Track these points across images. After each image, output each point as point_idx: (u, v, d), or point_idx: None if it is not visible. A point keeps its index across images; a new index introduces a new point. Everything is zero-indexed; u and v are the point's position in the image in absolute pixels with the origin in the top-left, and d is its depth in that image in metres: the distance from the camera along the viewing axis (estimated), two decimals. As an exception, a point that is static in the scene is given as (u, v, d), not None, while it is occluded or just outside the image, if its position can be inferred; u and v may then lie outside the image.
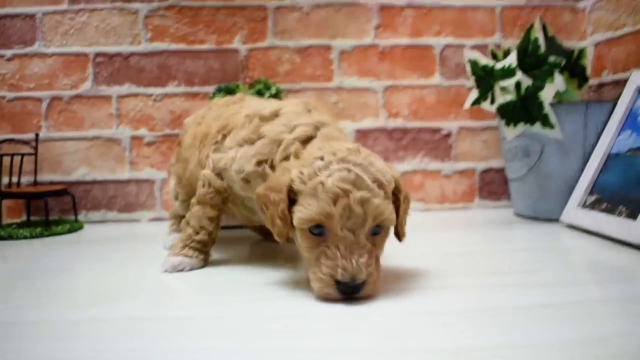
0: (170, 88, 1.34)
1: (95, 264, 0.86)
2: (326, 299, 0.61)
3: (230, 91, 1.22)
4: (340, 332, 0.51)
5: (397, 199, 0.66)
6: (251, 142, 0.75)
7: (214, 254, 0.87)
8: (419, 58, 1.37)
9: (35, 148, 1.28)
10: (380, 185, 0.61)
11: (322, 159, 0.62)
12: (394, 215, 0.63)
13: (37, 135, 1.29)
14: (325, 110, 0.80)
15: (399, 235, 0.70)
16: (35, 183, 1.30)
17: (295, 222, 0.62)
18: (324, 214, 0.59)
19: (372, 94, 1.37)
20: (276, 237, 0.65)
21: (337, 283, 0.59)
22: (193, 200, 0.83)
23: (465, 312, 0.56)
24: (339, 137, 0.72)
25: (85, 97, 1.34)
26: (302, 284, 0.69)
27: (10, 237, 1.14)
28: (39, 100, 1.34)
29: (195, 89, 1.34)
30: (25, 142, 1.27)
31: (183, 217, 0.88)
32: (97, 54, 1.33)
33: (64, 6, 1.33)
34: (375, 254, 0.62)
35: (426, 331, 0.51)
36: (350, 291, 0.59)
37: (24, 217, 1.35)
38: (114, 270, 0.82)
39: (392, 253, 0.88)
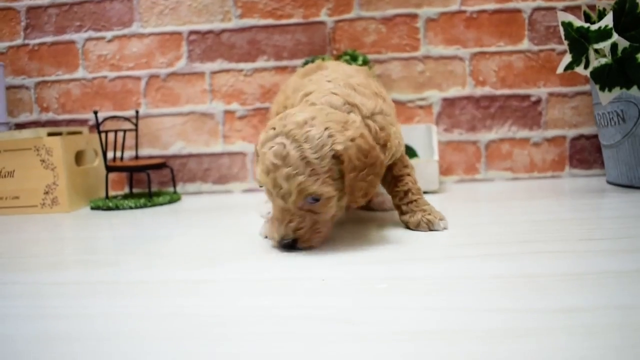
0: (260, 63, 1.38)
1: (196, 232, 0.92)
2: (275, 247, 0.74)
3: (315, 64, 1.24)
4: (437, 292, 0.53)
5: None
6: None
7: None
8: (507, 23, 1.34)
9: (136, 124, 1.36)
10: (308, 162, 0.68)
11: (273, 129, 0.71)
12: (325, 188, 0.69)
13: (137, 111, 1.37)
14: (366, 89, 0.82)
15: (351, 202, 0.74)
16: (137, 157, 1.38)
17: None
18: (263, 182, 0.71)
19: (458, 62, 1.35)
20: None
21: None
22: None
23: (563, 275, 0.57)
24: (328, 109, 0.76)
25: (180, 74, 1.40)
26: (396, 252, 0.72)
27: (117, 208, 1.22)
28: (138, 78, 1.41)
29: (284, 62, 1.38)
30: (126, 119, 1.35)
31: None
32: (191, 32, 1.39)
33: (158, -13, 1.39)
34: (311, 219, 0.72)
35: (524, 293, 0.52)
36: (284, 246, 0.72)
37: (126, 189, 1.44)
38: (214, 237, 0.87)
39: (483, 220, 0.89)
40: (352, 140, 0.70)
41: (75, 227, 1.03)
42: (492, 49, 1.35)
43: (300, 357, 0.40)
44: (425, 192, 1.19)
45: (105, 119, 1.31)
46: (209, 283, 0.61)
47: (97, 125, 1.24)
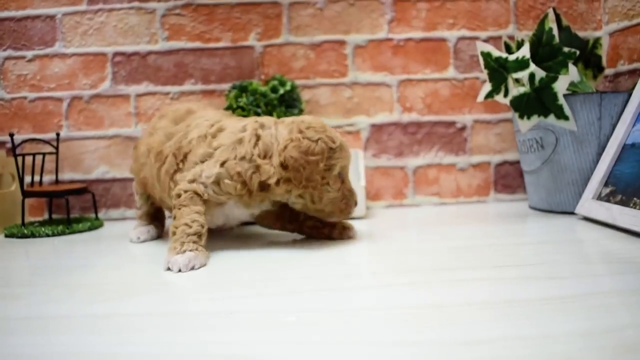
0: (187, 86, 1.36)
1: (114, 261, 0.88)
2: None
3: (243, 89, 1.23)
4: (348, 325, 0.52)
5: None
6: (209, 155, 0.89)
7: (218, 254, 0.89)
8: (433, 51, 1.37)
9: (57, 147, 1.31)
10: None
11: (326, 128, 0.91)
12: None
13: (58, 134, 1.32)
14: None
15: None
16: (57, 182, 1.33)
17: (337, 169, 0.90)
18: (348, 163, 0.93)
19: (386, 89, 1.37)
20: (310, 188, 0.88)
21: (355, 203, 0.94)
22: (173, 212, 0.88)
23: (474, 304, 0.57)
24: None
25: (104, 97, 1.36)
26: (308, 280, 0.71)
27: (33, 235, 1.16)
28: (60, 100, 1.36)
29: (212, 86, 1.36)
30: (47, 142, 1.30)
31: (147, 212, 1.09)
32: (116, 54, 1.36)
33: (82, 7, 1.35)
34: None
35: (433, 324, 0.51)
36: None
37: (45, 216, 1.38)
38: (133, 267, 0.83)
39: (403, 247, 0.90)
40: None
41: (-17, 257, 0.97)
42: (419, 76, 1.37)
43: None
44: (352, 219, 1.19)
45: (24, 142, 1.25)
46: (119, 317, 0.58)
47: (14, 148, 1.19)
